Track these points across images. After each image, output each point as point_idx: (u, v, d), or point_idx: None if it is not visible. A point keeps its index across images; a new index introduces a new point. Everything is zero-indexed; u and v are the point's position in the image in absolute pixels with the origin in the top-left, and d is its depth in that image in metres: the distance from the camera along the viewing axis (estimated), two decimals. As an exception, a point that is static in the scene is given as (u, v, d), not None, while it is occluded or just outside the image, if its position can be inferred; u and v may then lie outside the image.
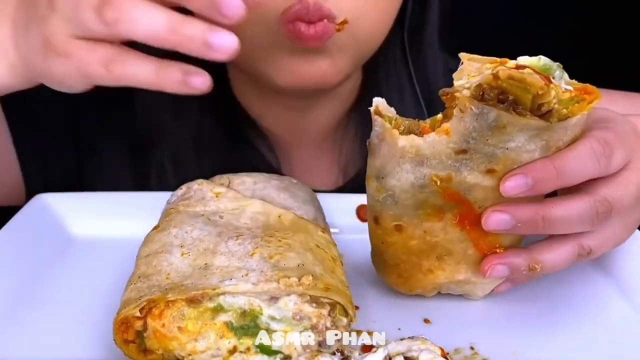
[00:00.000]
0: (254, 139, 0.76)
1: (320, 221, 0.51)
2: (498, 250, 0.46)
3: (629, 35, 1.51)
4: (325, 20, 0.59)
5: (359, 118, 0.79)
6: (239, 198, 0.50)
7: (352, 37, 0.63)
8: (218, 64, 0.67)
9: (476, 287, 0.48)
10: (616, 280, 0.52)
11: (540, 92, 0.39)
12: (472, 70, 0.41)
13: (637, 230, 0.52)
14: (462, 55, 0.42)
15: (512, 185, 0.41)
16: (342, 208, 0.59)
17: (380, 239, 0.47)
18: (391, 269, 0.48)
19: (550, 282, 0.52)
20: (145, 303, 0.40)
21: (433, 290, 0.49)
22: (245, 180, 0.53)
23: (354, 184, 0.77)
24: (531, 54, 0.42)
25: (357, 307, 0.46)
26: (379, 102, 0.43)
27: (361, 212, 0.60)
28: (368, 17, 0.63)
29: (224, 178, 0.53)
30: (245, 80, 0.74)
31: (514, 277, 0.47)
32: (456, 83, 0.41)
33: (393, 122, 0.42)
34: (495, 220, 0.43)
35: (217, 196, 0.50)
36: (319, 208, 0.53)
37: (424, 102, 0.77)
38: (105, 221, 0.59)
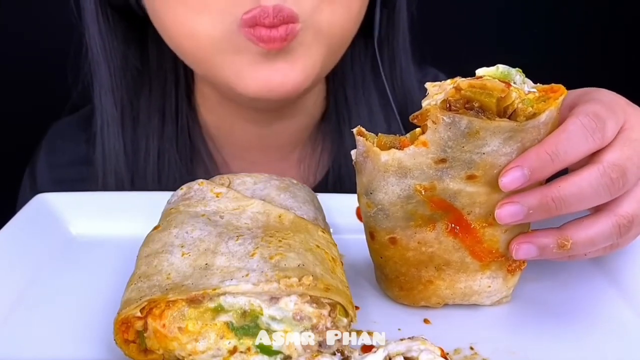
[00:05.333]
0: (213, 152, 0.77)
1: (320, 221, 0.51)
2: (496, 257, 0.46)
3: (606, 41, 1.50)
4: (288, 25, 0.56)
5: (325, 133, 0.76)
6: (239, 198, 0.50)
7: (317, 34, 0.59)
8: (186, 78, 0.72)
9: (481, 297, 0.48)
10: (616, 281, 0.52)
11: (502, 95, 0.41)
12: (436, 90, 0.43)
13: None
14: (428, 85, 0.43)
15: (510, 180, 0.40)
16: (342, 208, 0.59)
17: (378, 254, 0.48)
18: (393, 283, 0.49)
19: (550, 283, 0.52)
20: (145, 303, 0.40)
21: (437, 304, 0.49)
22: (246, 180, 0.53)
23: (321, 188, 0.75)
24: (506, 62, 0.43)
25: (357, 308, 0.46)
26: (359, 127, 0.44)
27: (361, 212, 0.60)
28: (330, 9, 0.59)
29: (225, 178, 0.53)
30: (211, 94, 0.73)
31: (544, 256, 0.44)
32: (424, 104, 0.43)
33: (375, 140, 0.43)
34: (507, 212, 0.42)
35: (217, 196, 0.50)
36: (319, 208, 0.53)
37: (399, 112, 0.74)
38: (105, 221, 0.59)
